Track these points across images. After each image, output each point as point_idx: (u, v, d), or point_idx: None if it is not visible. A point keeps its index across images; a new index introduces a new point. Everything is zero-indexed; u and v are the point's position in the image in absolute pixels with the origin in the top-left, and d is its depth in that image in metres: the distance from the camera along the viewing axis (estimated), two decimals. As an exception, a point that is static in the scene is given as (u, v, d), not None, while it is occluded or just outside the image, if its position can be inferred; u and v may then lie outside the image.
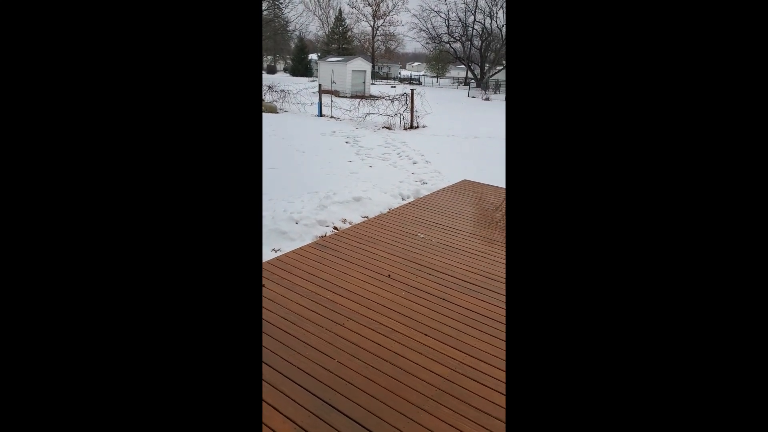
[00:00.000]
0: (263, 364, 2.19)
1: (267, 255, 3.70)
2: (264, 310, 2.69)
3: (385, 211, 4.98)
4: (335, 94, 19.69)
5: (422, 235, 4.09)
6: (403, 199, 5.65)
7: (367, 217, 4.78)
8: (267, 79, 28.06)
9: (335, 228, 4.44)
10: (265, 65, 51.38)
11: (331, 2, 49.85)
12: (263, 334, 2.44)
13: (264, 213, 4.61)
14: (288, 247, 3.89)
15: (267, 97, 16.28)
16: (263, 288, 2.96)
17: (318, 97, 14.35)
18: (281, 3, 41.49)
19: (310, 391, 2.05)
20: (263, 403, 1.96)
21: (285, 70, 50.15)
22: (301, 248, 3.70)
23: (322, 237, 4.12)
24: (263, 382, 2.08)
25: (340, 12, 44.67)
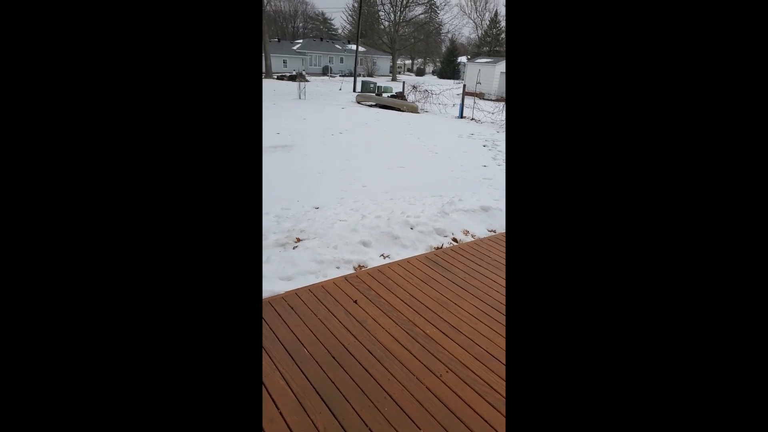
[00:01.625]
0: (330, 414, 1.70)
1: (375, 260, 3.27)
2: (349, 335, 2.20)
3: (519, 227, 4.13)
4: (480, 96, 18.83)
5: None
6: (543, 215, 4.69)
7: (494, 232, 4.04)
8: (413, 80, 28.63)
9: (454, 240, 3.81)
10: (414, 67, 53.09)
11: (487, 5, 48.86)
12: (340, 368, 1.95)
13: (381, 213, 4.25)
14: (398, 254, 3.40)
15: (410, 97, 16.36)
16: (355, 304, 2.50)
17: (461, 99, 13.74)
18: (437, 6, 42.08)
19: (377, 471, 1.48)
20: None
21: (433, 72, 50.95)
22: (409, 260, 3.16)
23: (437, 248, 3.52)
24: (320, 441, 1.58)
25: (496, 14, 43.35)
